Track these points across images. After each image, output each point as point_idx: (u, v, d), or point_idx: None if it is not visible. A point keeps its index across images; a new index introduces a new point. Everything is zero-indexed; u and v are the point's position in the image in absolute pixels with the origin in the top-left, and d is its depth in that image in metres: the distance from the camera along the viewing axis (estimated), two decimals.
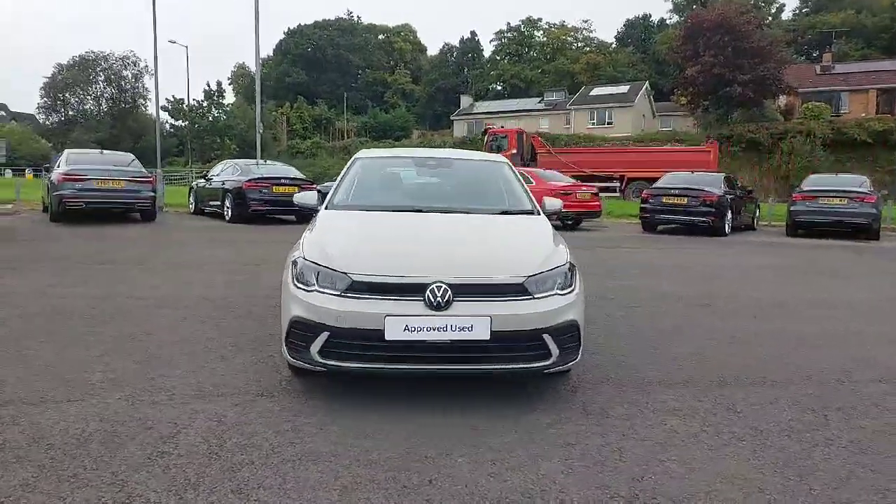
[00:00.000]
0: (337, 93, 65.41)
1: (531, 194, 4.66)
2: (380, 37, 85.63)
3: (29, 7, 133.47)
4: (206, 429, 3.02)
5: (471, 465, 2.75)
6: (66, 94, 55.94)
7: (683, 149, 28.48)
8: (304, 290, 3.35)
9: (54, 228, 11.75)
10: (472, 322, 3.18)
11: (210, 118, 45.32)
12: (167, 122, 48.75)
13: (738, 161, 34.23)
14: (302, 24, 77.69)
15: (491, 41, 78.31)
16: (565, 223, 15.96)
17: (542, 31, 77.75)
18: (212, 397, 3.43)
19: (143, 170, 13.28)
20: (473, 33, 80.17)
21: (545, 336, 3.33)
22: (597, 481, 2.63)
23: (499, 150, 24.12)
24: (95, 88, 56.80)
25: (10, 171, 44.63)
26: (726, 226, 14.06)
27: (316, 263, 3.40)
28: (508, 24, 77.63)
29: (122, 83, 56.54)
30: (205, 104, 45.60)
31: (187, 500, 2.40)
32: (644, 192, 15.44)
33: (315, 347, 3.26)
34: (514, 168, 5.01)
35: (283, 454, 2.79)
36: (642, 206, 14.93)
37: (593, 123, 53.35)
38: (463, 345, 3.20)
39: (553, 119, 56.86)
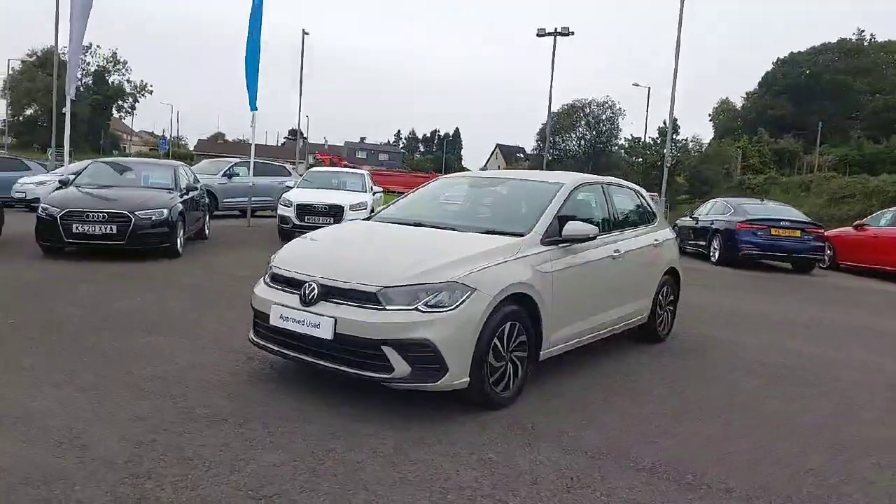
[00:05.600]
0: (830, 123, 57.38)
1: (552, 218, 4.28)
2: None
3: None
4: (201, 369, 4.35)
5: (283, 443, 3.32)
6: (555, 137, 65.81)
7: None
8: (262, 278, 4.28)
9: None
10: (321, 321, 3.58)
11: (661, 154, 46.40)
12: (623, 159, 52.11)
13: None
14: (794, 51, 71.18)
15: None
16: None
17: None
18: (239, 353, 4.70)
19: None
20: None
21: (385, 348, 3.40)
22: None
23: None
24: (578, 131, 65.07)
25: None
26: None
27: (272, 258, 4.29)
28: None
29: (600, 126, 63.13)
30: (658, 141, 47.02)
31: (118, 383, 3.88)
32: None
33: (252, 324, 4.16)
34: (562, 191, 4.57)
35: (209, 394, 3.92)
36: None
37: None
38: (312, 340, 3.60)
39: None
